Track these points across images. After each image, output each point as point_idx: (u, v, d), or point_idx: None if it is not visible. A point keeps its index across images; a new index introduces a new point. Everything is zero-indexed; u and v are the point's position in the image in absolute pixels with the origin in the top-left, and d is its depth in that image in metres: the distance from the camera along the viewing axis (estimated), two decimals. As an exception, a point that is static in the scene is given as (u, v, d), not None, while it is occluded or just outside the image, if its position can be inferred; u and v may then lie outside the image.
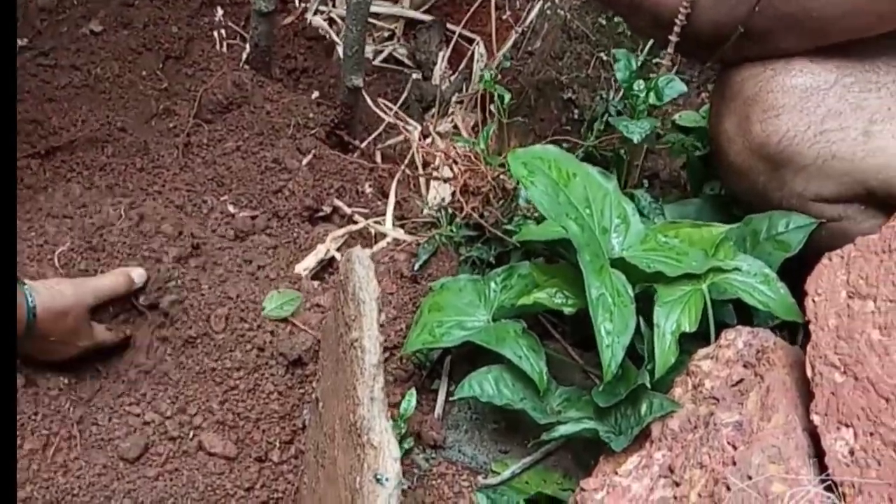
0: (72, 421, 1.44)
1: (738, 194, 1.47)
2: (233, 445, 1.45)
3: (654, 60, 1.46)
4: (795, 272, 1.32)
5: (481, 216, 1.57)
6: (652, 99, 1.49)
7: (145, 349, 1.52)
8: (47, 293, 1.40)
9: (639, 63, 1.51)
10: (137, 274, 1.52)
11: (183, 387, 1.48)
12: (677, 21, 1.39)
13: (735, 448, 1.12)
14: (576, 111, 1.80)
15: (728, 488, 1.07)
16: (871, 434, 1.04)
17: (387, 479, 1.07)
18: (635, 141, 1.48)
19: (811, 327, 1.14)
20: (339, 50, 1.84)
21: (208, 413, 1.47)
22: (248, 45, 1.78)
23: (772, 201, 1.41)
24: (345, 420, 1.21)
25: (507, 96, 1.60)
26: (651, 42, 1.84)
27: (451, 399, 1.49)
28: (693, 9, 1.38)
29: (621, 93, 1.51)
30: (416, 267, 1.59)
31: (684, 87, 1.53)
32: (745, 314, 1.41)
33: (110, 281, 1.50)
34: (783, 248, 1.39)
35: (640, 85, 1.51)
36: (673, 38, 1.41)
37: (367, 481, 1.08)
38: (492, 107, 1.60)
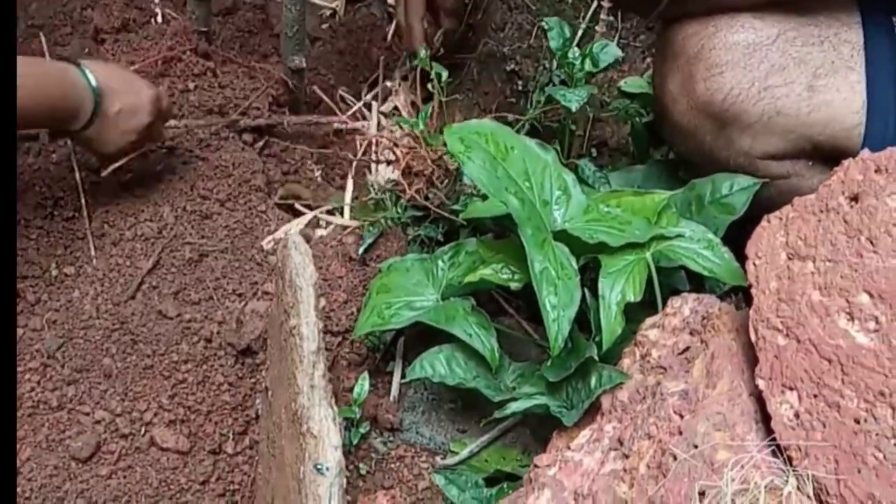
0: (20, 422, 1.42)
1: (684, 155, 1.46)
2: (185, 439, 1.43)
3: (595, 26, 1.43)
4: (745, 235, 1.32)
5: (426, 198, 1.55)
6: (588, 66, 1.47)
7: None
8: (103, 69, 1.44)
9: (579, 34, 1.49)
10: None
11: (131, 383, 1.46)
12: None
13: (681, 417, 1.11)
14: (519, 83, 1.78)
15: (675, 458, 1.06)
16: (815, 396, 1.03)
17: (327, 469, 1.06)
18: (573, 109, 1.46)
19: (753, 291, 1.13)
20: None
21: (158, 408, 1.45)
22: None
23: (719, 161, 1.40)
24: (288, 409, 1.19)
25: (445, 73, 1.58)
26: (592, 9, 1.82)
27: (403, 381, 1.48)
28: None
29: (558, 59, 1.49)
30: (362, 250, 1.57)
31: (620, 52, 1.51)
32: (699, 281, 1.40)
33: None
34: (728, 212, 1.38)
35: (574, 52, 1.49)
36: None
37: (308, 471, 1.07)
38: (430, 86, 1.57)
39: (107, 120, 1.45)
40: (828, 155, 1.35)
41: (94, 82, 1.42)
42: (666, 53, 1.39)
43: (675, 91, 1.37)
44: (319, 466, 1.06)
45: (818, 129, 1.34)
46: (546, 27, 1.53)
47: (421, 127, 1.55)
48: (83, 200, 1.59)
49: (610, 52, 1.50)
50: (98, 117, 1.44)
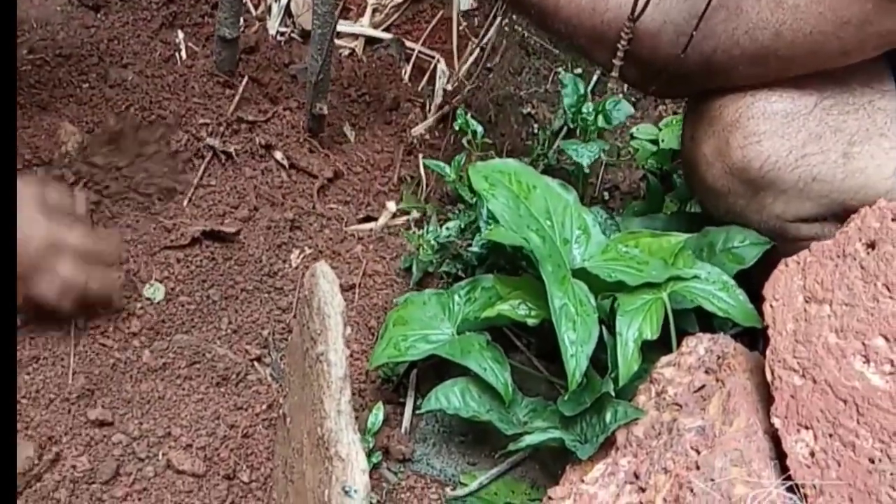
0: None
1: (715, 215, 1.48)
2: (202, 463, 1.45)
3: (608, 76, 1.48)
4: (750, 281, 1.35)
5: (448, 234, 1.59)
6: (601, 122, 1.51)
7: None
8: None
9: (593, 80, 1.53)
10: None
11: (150, 407, 1.48)
12: (619, 45, 1.40)
13: (698, 452, 1.14)
14: (535, 125, 1.82)
15: (692, 492, 1.09)
16: (831, 435, 1.06)
17: (355, 491, 1.08)
18: (584, 164, 1.50)
19: (770, 332, 1.17)
20: (300, 72, 1.85)
21: (177, 431, 1.46)
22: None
23: (750, 223, 1.43)
24: (312, 434, 1.21)
25: (480, 129, 1.62)
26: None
27: (417, 412, 1.50)
28: (654, 46, 1.40)
29: (572, 115, 1.53)
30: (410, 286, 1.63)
31: (632, 110, 1.55)
32: (707, 321, 1.44)
33: None
34: (737, 261, 1.41)
35: (588, 108, 1.52)
36: (616, 62, 1.42)
37: (335, 494, 1.09)
38: (455, 124, 1.62)
39: None
40: None
41: None
42: (701, 119, 1.41)
43: (709, 155, 1.39)
44: (348, 489, 1.08)
45: (851, 195, 1.36)
46: (561, 83, 1.57)
47: (452, 176, 1.60)
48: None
49: (623, 109, 1.53)
50: None
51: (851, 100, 1.37)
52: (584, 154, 1.52)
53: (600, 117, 1.53)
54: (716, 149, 1.38)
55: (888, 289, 1.07)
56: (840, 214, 1.38)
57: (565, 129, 1.75)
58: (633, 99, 1.63)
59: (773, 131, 1.34)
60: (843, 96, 1.37)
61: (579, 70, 1.64)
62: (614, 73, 1.43)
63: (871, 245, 1.12)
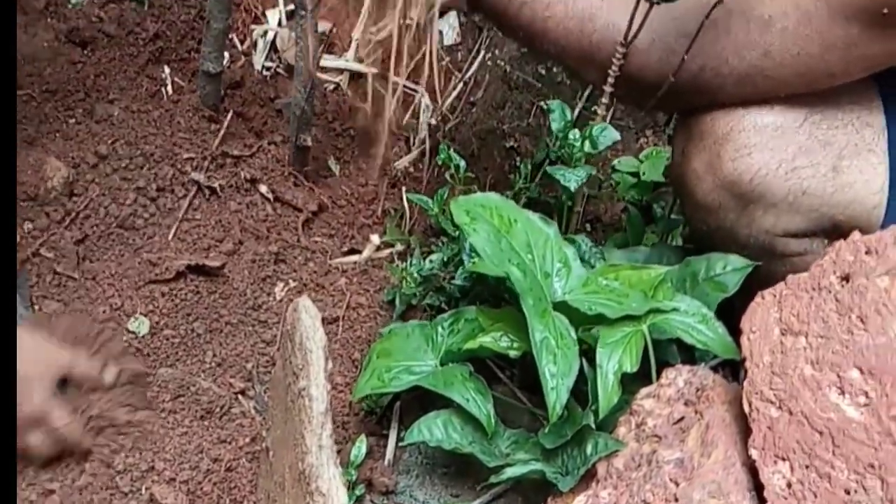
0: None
1: (703, 232, 1.50)
2: (185, 497, 1.45)
3: (592, 108, 1.50)
4: (736, 310, 1.37)
5: (431, 267, 1.61)
6: (588, 147, 1.53)
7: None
8: (25, 342, 1.31)
9: (576, 112, 1.55)
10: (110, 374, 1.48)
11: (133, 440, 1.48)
12: (611, 72, 1.42)
13: (677, 485, 1.15)
14: (518, 159, 1.84)
15: (671, 524, 1.10)
16: (807, 467, 1.07)
17: (336, 526, 1.09)
18: (572, 189, 1.52)
19: (747, 364, 1.18)
20: (285, 107, 1.86)
21: (160, 465, 1.47)
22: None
23: (739, 238, 1.44)
24: (294, 469, 1.22)
25: (463, 164, 1.64)
26: (589, 89, 1.89)
27: (401, 444, 1.51)
28: (643, 65, 1.42)
29: (559, 140, 1.55)
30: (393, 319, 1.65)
31: (618, 135, 1.56)
32: (689, 352, 1.45)
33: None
34: (720, 289, 1.43)
35: (575, 134, 1.54)
36: (607, 88, 1.44)
37: (316, 528, 1.10)
38: (438, 158, 1.64)
39: None
40: (846, 234, 1.39)
41: None
42: (692, 133, 1.43)
43: (700, 170, 1.41)
44: (328, 524, 1.09)
45: (840, 209, 1.38)
46: (548, 109, 1.59)
47: (435, 210, 1.61)
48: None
49: (608, 135, 1.55)
50: None
51: (840, 115, 1.39)
52: (571, 179, 1.53)
53: (586, 142, 1.55)
54: (707, 162, 1.40)
55: (862, 321, 1.08)
56: (828, 230, 1.40)
57: (547, 161, 1.77)
58: (616, 130, 1.64)
59: (764, 144, 1.36)
60: (832, 111, 1.39)
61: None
62: (607, 89, 1.45)
63: (846, 278, 1.13)
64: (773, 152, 1.36)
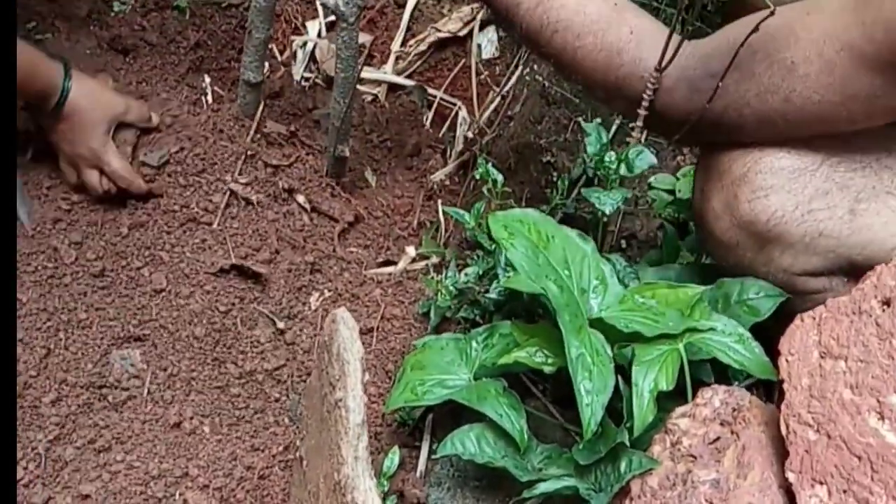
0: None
1: (723, 267, 1.49)
2: (217, 504, 1.47)
3: (630, 124, 1.49)
4: (767, 332, 1.36)
5: (466, 280, 1.61)
6: (623, 170, 1.53)
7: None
8: (88, 85, 1.60)
9: (613, 129, 1.54)
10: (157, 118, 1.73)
11: (168, 446, 1.50)
12: (641, 107, 1.42)
13: (712, 505, 1.15)
14: (555, 174, 1.84)
15: (706, 545, 1.10)
16: (845, 491, 1.07)
17: (371, 538, 1.09)
18: (607, 212, 1.52)
19: (785, 386, 1.18)
20: (323, 117, 1.87)
21: (194, 472, 1.48)
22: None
23: (758, 275, 1.44)
24: (329, 479, 1.22)
25: (501, 179, 1.64)
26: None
27: (433, 457, 1.51)
28: (668, 101, 1.42)
29: (595, 163, 1.55)
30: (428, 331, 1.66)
31: (654, 160, 1.56)
32: (722, 372, 1.44)
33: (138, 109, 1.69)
34: (753, 314, 1.42)
35: (611, 157, 1.54)
36: (639, 123, 1.45)
37: (351, 540, 1.10)
38: (475, 172, 1.64)
39: (67, 120, 1.59)
40: (863, 272, 1.38)
41: (67, 84, 1.56)
42: (710, 172, 1.43)
43: (718, 209, 1.41)
44: (363, 535, 1.09)
45: (857, 251, 1.37)
46: (585, 132, 1.59)
47: (472, 224, 1.62)
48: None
49: (645, 159, 1.55)
50: (60, 113, 1.58)
51: (858, 157, 1.39)
52: (606, 202, 1.53)
53: (622, 166, 1.55)
54: (724, 202, 1.40)
55: (903, 346, 1.08)
56: (847, 269, 1.39)
57: (584, 177, 1.77)
58: (653, 150, 1.64)
59: (781, 186, 1.36)
60: (850, 154, 1.38)
61: (599, 119, 1.66)
62: (639, 123, 1.45)
63: (887, 302, 1.13)
64: (789, 194, 1.36)
